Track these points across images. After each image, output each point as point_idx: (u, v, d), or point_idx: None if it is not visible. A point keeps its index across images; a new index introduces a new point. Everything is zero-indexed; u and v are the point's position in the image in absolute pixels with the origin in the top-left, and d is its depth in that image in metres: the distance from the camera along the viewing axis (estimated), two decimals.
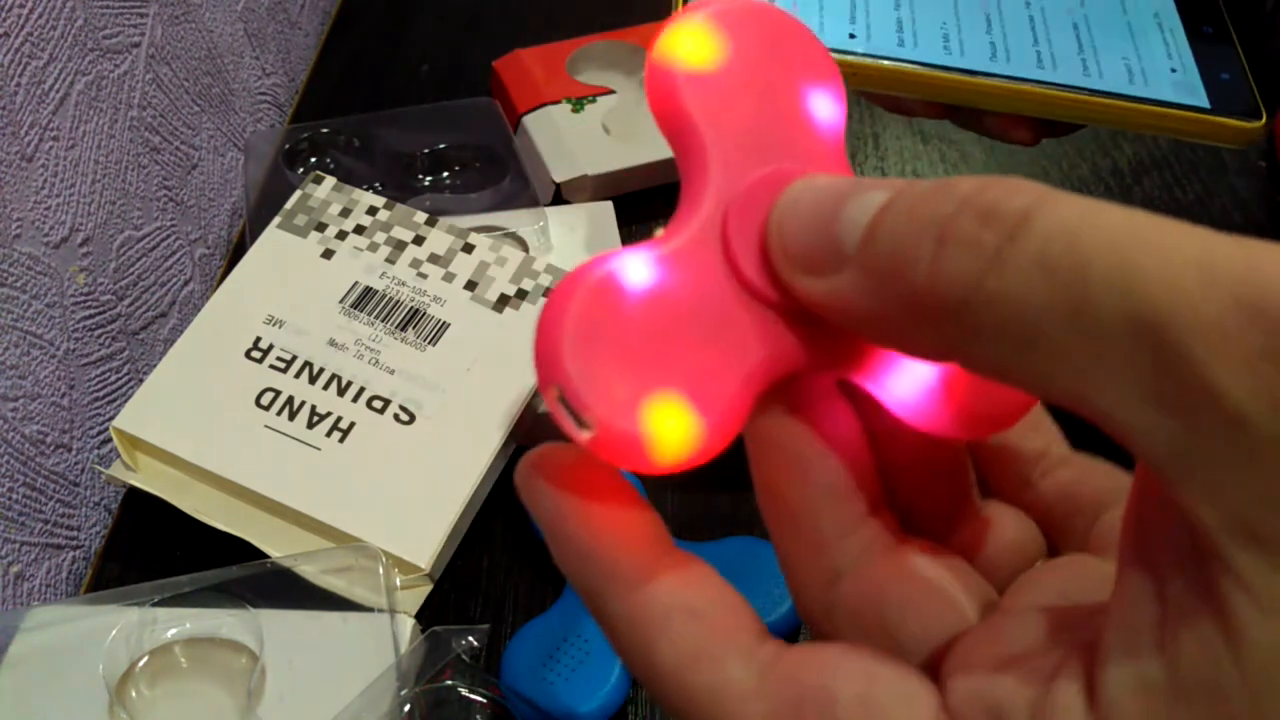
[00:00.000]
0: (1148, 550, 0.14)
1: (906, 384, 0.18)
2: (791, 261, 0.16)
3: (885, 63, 0.37)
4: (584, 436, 0.16)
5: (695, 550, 0.41)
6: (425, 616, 0.42)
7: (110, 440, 0.45)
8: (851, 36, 0.37)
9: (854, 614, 0.18)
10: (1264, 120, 0.38)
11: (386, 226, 0.49)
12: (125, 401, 0.45)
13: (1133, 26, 0.40)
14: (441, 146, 0.58)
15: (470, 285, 0.47)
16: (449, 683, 0.37)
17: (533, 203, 0.54)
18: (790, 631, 0.40)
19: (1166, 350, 0.12)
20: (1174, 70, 0.39)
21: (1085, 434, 0.17)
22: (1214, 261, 0.12)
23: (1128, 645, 0.14)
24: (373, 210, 0.49)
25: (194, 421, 0.44)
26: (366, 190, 0.51)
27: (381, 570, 0.40)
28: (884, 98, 0.40)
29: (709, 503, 0.46)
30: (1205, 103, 0.38)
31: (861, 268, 0.15)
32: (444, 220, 0.49)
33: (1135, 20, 0.40)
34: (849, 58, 0.37)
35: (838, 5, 0.38)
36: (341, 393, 0.45)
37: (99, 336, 0.50)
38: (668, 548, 0.18)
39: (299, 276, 0.48)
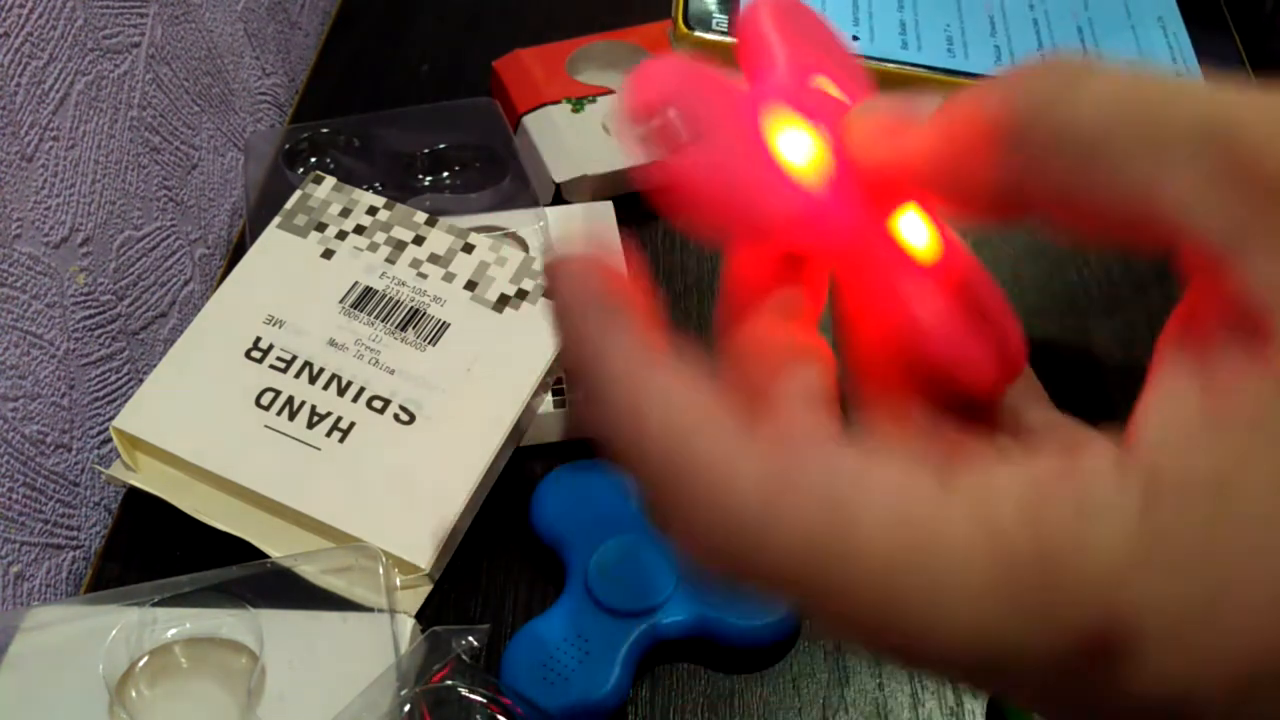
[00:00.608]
0: (1193, 335, 0.15)
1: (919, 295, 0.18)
2: (866, 137, 0.18)
3: (889, 65, 0.37)
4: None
5: None
6: (425, 616, 0.42)
7: (110, 440, 0.45)
8: (855, 39, 0.37)
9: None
10: None
11: (386, 226, 0.49)
12: (125, 401, 0.45)
13: (1136, 29, 0.40)
14: (441, 146, 0.58)
15: (470, 285, 0.47)
16: (449, 683, 0.37)
17: (533, 203, 0.54)
18: (790, 632, 0.40)
19: (1233, 146, 0.14)
20: (1178, 73, 0.39)
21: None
22: (1268, 89, 0.15)
23: (1168, 397, 0.15)
24: (373, 210, 0.49)
25: (194, 421, 0.44)
26: (366, 190, 0.51)
27: (381, 570, 0.40)
28: None
29: None
30: None
31: (939, 120, 0.17)
32: (444, 220, 0.49)
33: (1139, 23, 0.40)
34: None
35: (841, 7, 0.38)
36: (341, 393, 0.45)
37: (99, 336, 0.50)
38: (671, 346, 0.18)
39: (299, 276, 0.48)
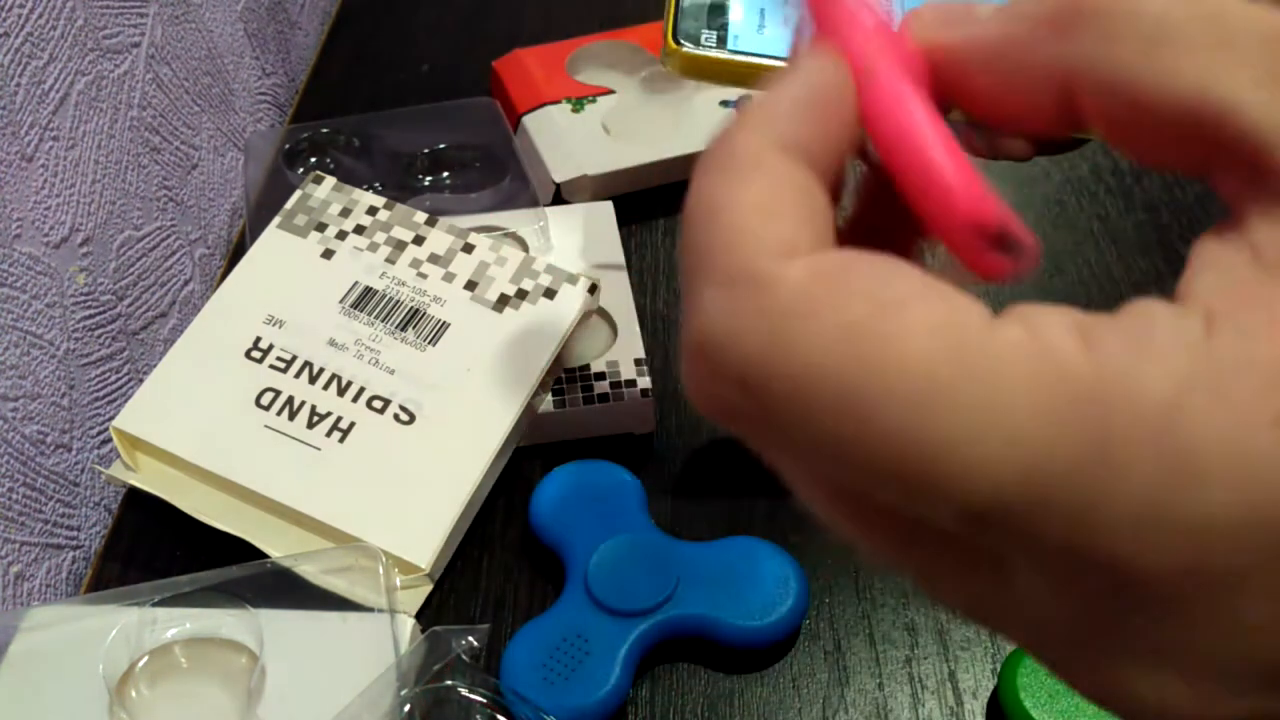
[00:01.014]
0: (1233, 227, 0.15)
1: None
2: (928, 23, 0.18)
3: None
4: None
5: (695, 550, 0.41)
6: (425, 616, 0.42)
7: (110, 440, 0.45)
8: None
9: None
10: None
11: (386, 226, 0.49)
12: (125, 401, 0.45)
13: None
14: (441, 146, 0.59)
15: (470, 285, 0.47)
16: (449, 683, 0.37)
17: (533, 203, 0.54)
18: (790, 632, 0.40)
19: None
20: None
21: None
22: None
23: (1214, 264, 0.15)
24: (373, 210, 0.49)
25: (194, 421, 0.44)
26: (366, 190, 0.51)
27: (381, 570, 0.40)
28: None
29: (709, 503, 0.46)
30: None
31: (1006, 7, 0.17)
32: (444, 220, 0.49)
33: None
34: None
35: None
36: (341, 393, 0.45)
37: (99, 336, 0.50)
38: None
39: (299, 276, 0.48)
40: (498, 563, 0.44)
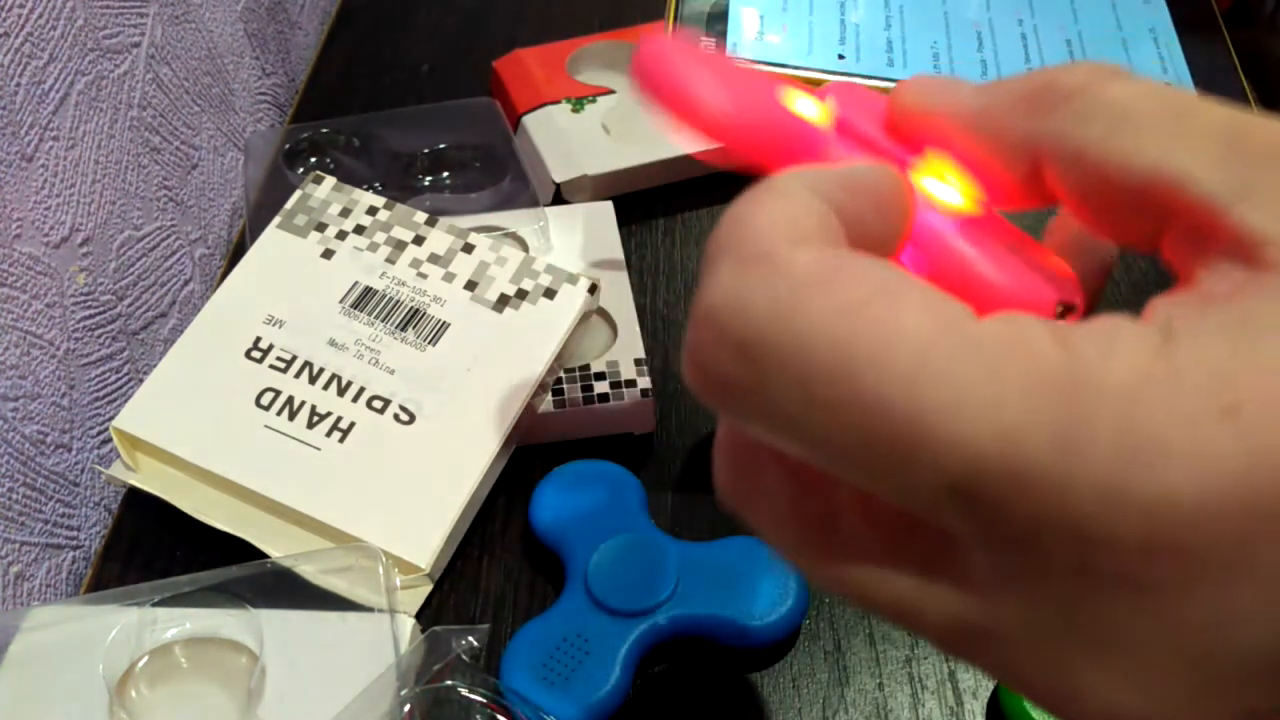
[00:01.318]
0: (1184, 283, 0.17)
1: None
2: (918, 89, 0.20)
3: (875, 83, 0.37)
4: None
5: (695, 550, 0.41)
6: (425, 616, 0.42)
7: (110, 440, 0.45)
8: (841, 58, 0.37)
9: None
10: None
11: (386, 226, 0.49)
12: (125, 401, 0.45)
13: (1127, 41, 0.40)
14: (441, 146, 0.59)
15: (470, 285, 0.47)
16: (449, 683, 0.37)
17: (533, 203, 0.54)
18: (790, 632, 0.40)
19: (1241, 133, 0.17)
20: (1169, 83, 0.39)
21: None
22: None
23: (1170, 299, 0.16)
24: (373, 210, 0.49)
25: (194, 421, 0.44)
26: (366, 190, 0.51)
27: (381, 570, 0.40)
28: None
29: (709, 503, 0.46)
30: None
31: (988, 85, 0.19)
32: (444, 220, 0.49)
33: (1130, 35, 0.40)
34: (839, 79, 0.37)
35: (827, 27, 0.38)
36: (341, 393, 0.45)
37: (99, 336, 0.50)
38: None
39: (299, 276, 0.48)
40: (498, 563, 0.44)
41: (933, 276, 0.19)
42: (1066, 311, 0.19)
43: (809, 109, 0.21)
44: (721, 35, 0.37)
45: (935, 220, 0.20)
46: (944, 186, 0.20)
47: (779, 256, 0.16)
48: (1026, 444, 0.14)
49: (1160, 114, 0.17)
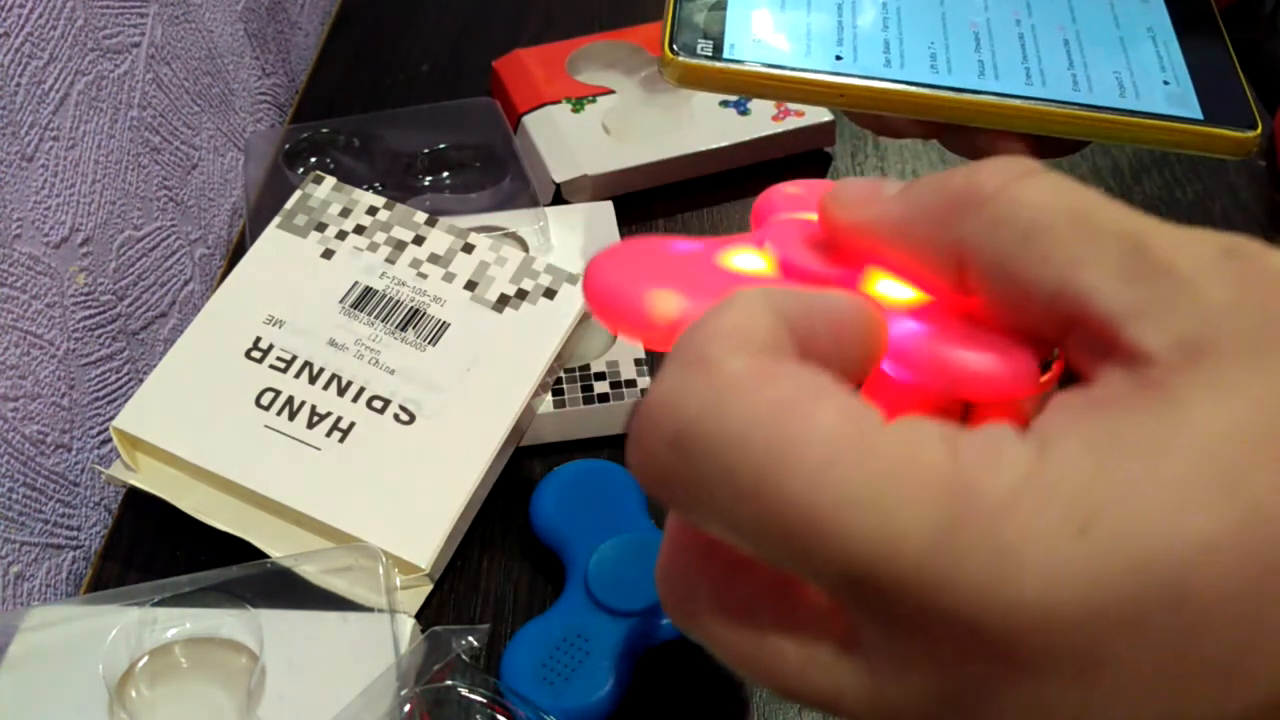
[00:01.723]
0: (1078, 390, 0.18)
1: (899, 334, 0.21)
2: (843, 203, 0.21)
3: (872, 83, 0.37)
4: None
5: None
6: (425, 616, 0.42)
7: (110, 440, 0.45)
8: (838, 58, 0.37)
9: None
10: (1259, 130, 0.37)
11: (386, 226, 0.49)
12: (125, 401, 0.45)
13: (1125, 40, 0.40)
14: (441, 146, 0.59)
15: (470, 285, 0.47)
16: (449, 683, 0.37)
17: (533, 203, 0.54)
18: None
19: (1142, 246, 0.18)
20: (1166, 83, 0.38)
21: None
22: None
23: (1054, 405, 0.18)
24: (373, 210, 0.49)
25: (194, 421, 0.44)
26: (366, 190, 0.51)
27: (381, 570, 0.40)
28: (870, 119, 0.40)
29: None
30: (1199, 114, 0.37)
31: (907, 191, 0.20)
32: (444, 220, 0.49)
33: (1128, 34, 0.40)
34: (836, 79, 0.37)
35: (824, 27, 0.38)
36: (341, 393, 0.45)
37: (99, 336, 0.50)
38: None
39: (299, 276, 0.48)
40: (498, 563, 0.44)
41: (916, 374, 0.20)
42: (1050, 363, 0.20)
43: (751, 263, 0.22)
44: (719, 38, 0.37)
45: (901, 324, 0.20)
46: (896, 284, 0.21)
47: (714, 360, 0.17)
48: (908, 546, 0.16)
49: (1066, 225, 0.18)
